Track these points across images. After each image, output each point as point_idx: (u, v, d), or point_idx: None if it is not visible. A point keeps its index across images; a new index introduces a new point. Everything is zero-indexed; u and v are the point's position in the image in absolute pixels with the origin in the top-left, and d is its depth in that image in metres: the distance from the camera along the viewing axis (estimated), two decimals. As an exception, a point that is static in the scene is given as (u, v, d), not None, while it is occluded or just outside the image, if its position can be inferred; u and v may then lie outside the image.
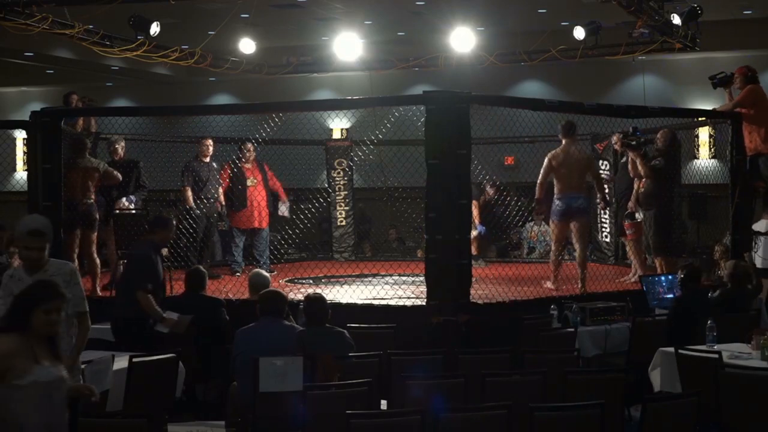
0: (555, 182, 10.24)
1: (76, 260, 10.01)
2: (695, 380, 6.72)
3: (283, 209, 12.43)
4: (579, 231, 10.23)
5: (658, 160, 10.38)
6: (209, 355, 7.98)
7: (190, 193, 11.69)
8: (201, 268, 8.83)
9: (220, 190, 11.91)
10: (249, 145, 12.11)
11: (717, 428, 6.52)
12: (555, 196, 10.26)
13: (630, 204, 10.83)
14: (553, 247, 10.51)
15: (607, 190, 11.90)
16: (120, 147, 11.07)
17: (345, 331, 7.15)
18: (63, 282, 5.55)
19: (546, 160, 10.26)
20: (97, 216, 10.15)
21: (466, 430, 5.49)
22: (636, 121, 10.97)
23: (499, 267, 11.66)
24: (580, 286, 10.11)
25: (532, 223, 14.74)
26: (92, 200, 10.11)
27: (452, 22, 14.19)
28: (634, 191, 10.76)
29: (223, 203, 11.94)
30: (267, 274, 8.67)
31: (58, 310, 4.50)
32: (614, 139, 11.59)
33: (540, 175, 10.28)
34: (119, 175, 10.41)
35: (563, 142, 10.33)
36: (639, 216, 10.84)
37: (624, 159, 11.26)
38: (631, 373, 7.42)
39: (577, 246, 10.30)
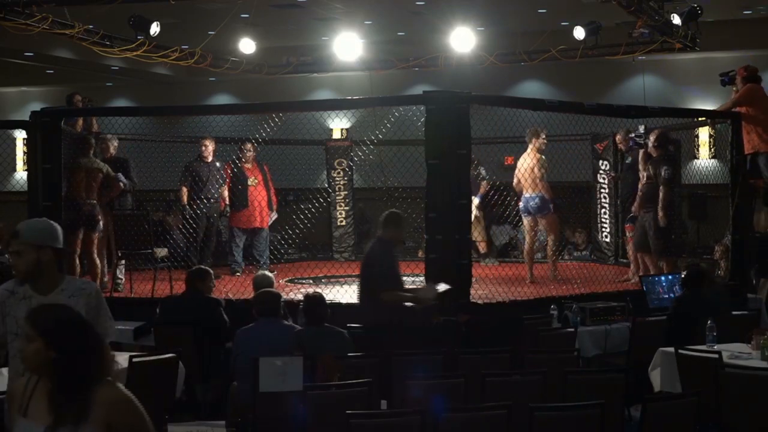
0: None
1: (77, 260, 10.03)
2: (695, 380, 6.72)
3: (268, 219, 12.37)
4: (547, 226, 11.23)
5: (667, 170, 10.26)
6: (209, 355, 7.98)
7: (185, 193, 11.70)
8: (204, 267, 8.81)
9: (225, 189, 11.92)
10: (248, 145, 12.12)
11: (717, 428, 6.53)
12: None
13: (634, 207, 10.79)
14: (527, 239, 11.45)
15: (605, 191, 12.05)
16: (112, 146, 11.07)
17: (344, 331, 7.15)
18: (85, 305, 4.55)
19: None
20: (99, 217, 10.15)
21: (466, 430, 5.49)
22: (636, 122, 10.98)
23: (499, 267, 11.69)
24: (550, 278, 10.97)
25: None
26: (95, 200, 10.11)
27: (452, 22, 14.19)
28: (639, 193, 10.71)
29: (227, 202, 11.97)
30: (271, 276, 8.63)
31: (28, 337, 3.40)
32: (618, 137, 11.59)
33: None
34: (121, 184, 10.42)
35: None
36: None
37: (629, 160, 11.26)
38: (631, 373, 7.41)
39: (548, 240, 11.31)
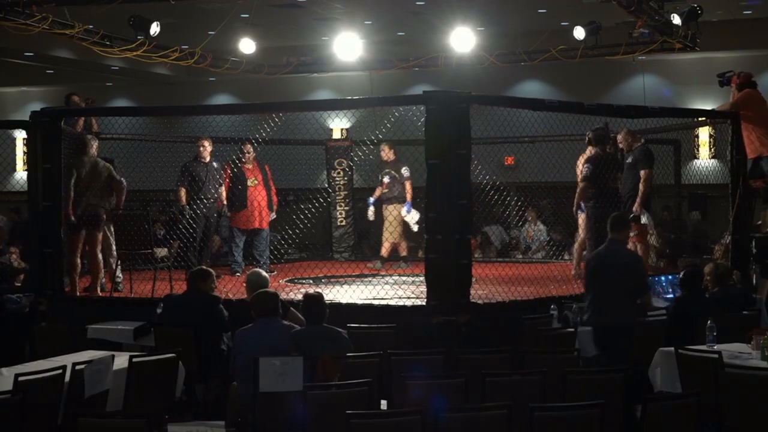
0: None
1: (79, 259, 10.02)
2: (695, 380, 6.72)
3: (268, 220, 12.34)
4: (582, 224, 11.10)
5: (588, 167, 10.34)
6: (209, 355, 7.98)
7: (183, 193, 11.70)
8: (206, 268, 8.80)
9: (222, 189, 11.91)
10: (248, 146, 12.12)
11: (717, 428, 6.52)
12: None
13: (635, 207, 10.76)
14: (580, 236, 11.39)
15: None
16: (94, 146, 11.04)
17: (342, 331, 7.15)
18: None
19: None
20: (104, 216, 10.12)
21: (466, 430, 5.49)
22: (636, 122, 10.98)
23: (499, 267, 11.66)
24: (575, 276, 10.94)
25: (526, 225, 14.91)
26: (98, 199, 10.08)
27: (452, 22, 14.18)
28: (640, 193, 10.69)
29: (225, 202, 11.96)
30: (265, 274, 8.62)
31: None
32: (620, 137, 11.59)
33: None
34: (123, 184, 10.42)
35: None
36: (644, 218, 10.82)
37: (630, 159, 11.25)
38: (631, 373, 7.41)
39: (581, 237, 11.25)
